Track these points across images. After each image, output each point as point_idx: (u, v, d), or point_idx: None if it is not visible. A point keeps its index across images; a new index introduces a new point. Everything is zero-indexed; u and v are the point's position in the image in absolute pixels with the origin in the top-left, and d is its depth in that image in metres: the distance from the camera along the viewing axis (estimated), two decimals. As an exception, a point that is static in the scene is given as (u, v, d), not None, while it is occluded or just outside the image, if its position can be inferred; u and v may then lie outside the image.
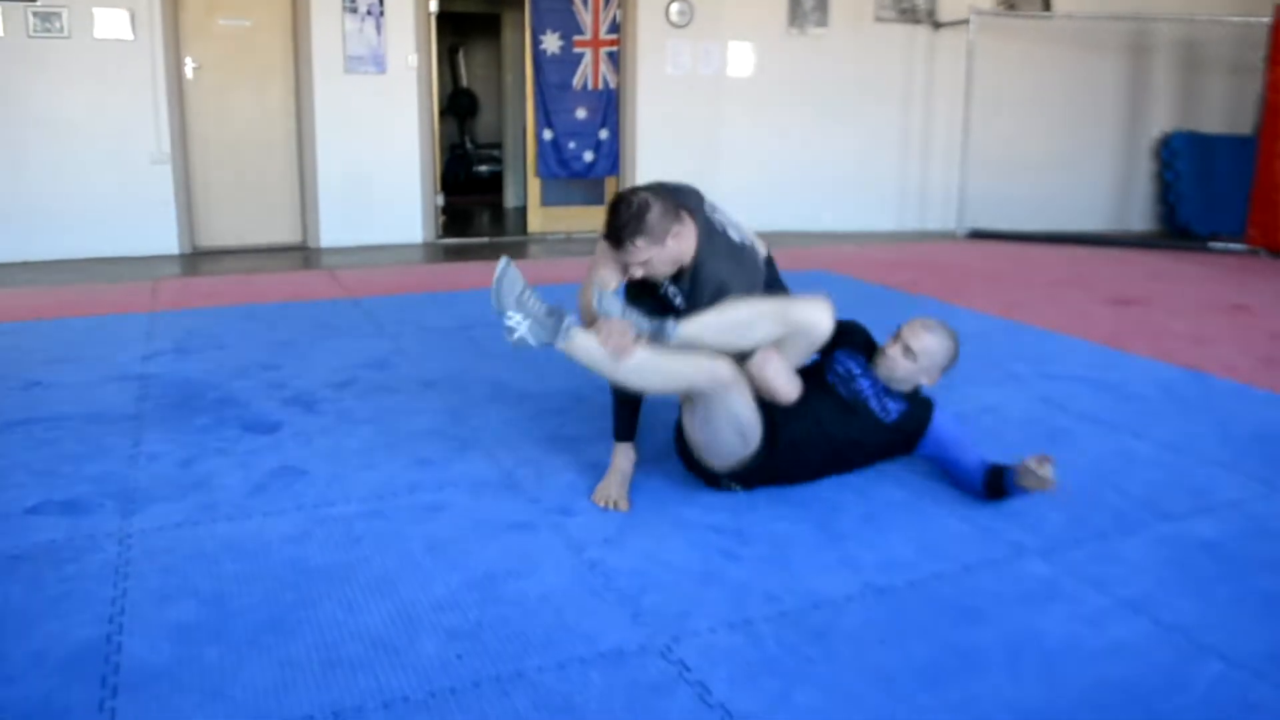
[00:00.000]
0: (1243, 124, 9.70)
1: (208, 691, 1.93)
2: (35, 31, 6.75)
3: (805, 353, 2.89)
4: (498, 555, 2.53)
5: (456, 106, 12.75)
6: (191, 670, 2.00)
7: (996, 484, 2.84)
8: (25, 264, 6.92)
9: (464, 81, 13.00)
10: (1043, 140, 9.46)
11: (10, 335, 4.83)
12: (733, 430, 2.77)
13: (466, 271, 6.85)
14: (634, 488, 2.97)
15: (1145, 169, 10.06)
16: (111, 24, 6.93)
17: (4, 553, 2.50)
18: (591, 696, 1.94)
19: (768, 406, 2.82)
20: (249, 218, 7.76)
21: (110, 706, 1.88)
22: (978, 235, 8.94)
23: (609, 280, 2.89)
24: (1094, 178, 9.85)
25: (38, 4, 6.70)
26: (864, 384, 2.96)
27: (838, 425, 2.90)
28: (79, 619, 2.19)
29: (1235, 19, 9.04)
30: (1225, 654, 2.12)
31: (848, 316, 3.10)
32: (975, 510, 2.85)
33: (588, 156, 8.60)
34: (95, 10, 6.87)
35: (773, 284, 3.11)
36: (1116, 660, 2.10)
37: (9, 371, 4.12)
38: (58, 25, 6.79)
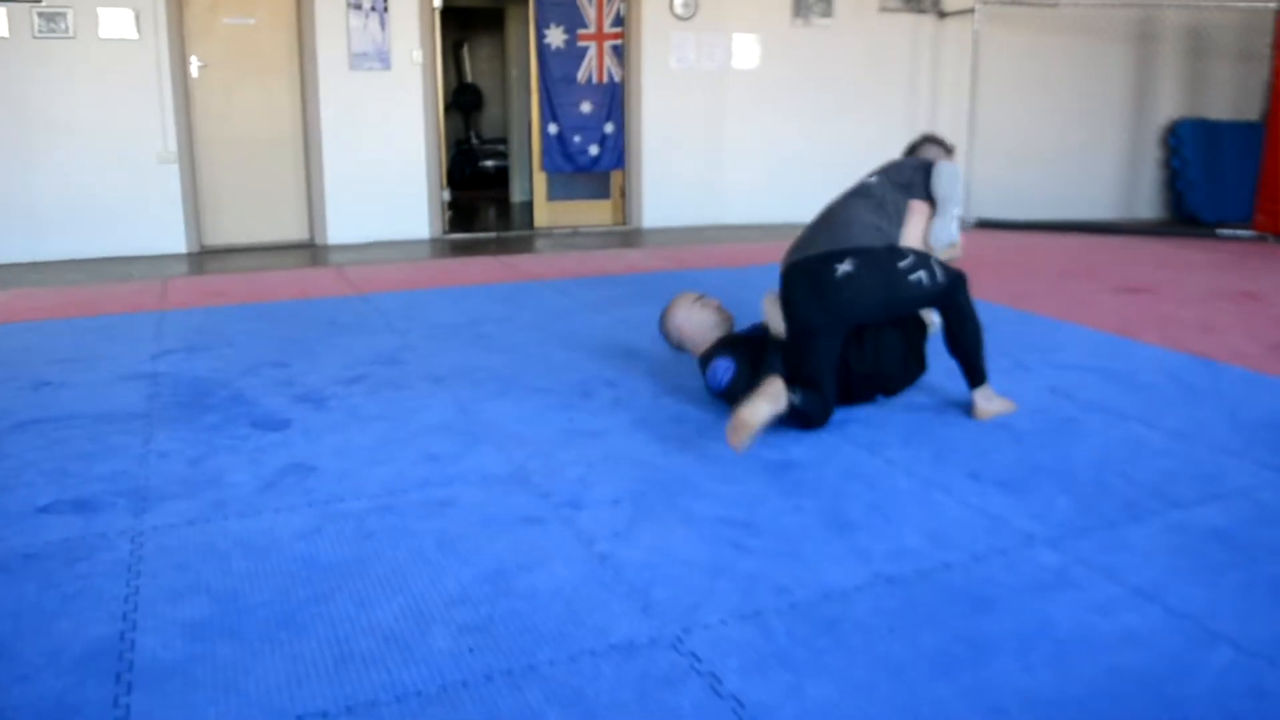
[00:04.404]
0: (1250, 110, 9.66)
1: (221, 687, 1.94)
2: (40, 32, 6.77)
3: None
4: (508, 549, 2.54)
5: (461, 102, 12.75)
6: (205, 666, 2.01)
7: None
8: (34, 264, 6.95)
9: (469, 76, 13.00)
10: (1049, 129, 9.44)
11: (20, 335, 4.84)
12: None
13: (474, 267, 6.86)
14: (643, 480, 2.98)
15: (1152, 156, 10.03)
16: (116, 24, 6.94)
17: (17, 551, 2.51)
18: (603, 689, 1.95)
19: None
20: (256, 215, 7.78)
21: (125, 703, 1.89)
22: (985, 225, 8.92)
23: None
24: (1101, 166, 9.82)
25: (42, 4, 6.72)
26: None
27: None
28: (92, 616, 2.20)
29: (1242, 5, 9.00)
30: (1236, 641, 2.12)
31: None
32: (984, 499, 2.85)
33: (593, 150, 8.60)
34: (100, 10, 6.88)
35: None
36: (1127, 648, 2.10)
37: (19, 371, 4.14)
38: (62, 25, 6.81)
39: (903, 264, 3.33)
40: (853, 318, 3.36)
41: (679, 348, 3.78)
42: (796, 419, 3.24)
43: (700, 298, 3.75)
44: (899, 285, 3.32)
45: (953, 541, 2.59)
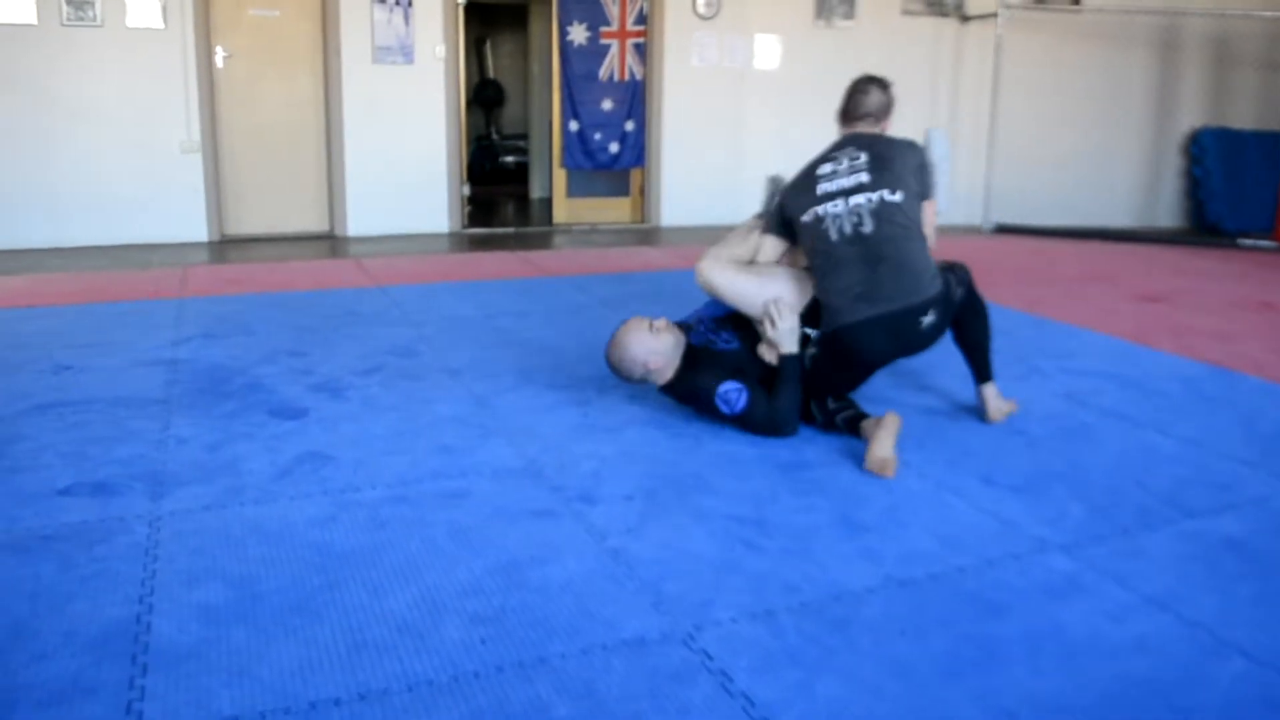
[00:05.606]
0: (1274, 120, 9.59)
1: (235, 671, 1.96)
2: (68, 20, 6.81)
3: None
4: (521, 542, 2.55)
5: (483, 97, 12.77)
6: (219, 650, 2.03)
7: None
8: (57, 250, 7.00)
9: (491, 72, 13.02)
10: (1070, 135, 9.39)
11: (41, 319, 4.88)
12: None
13: (492, 261, 6.87)
14: (656, 476, 2.99)
15: (1174, 165, 9.97)
16: (143, 12, 6.98)
17: (35, 533, 2.54)
18: (613, 683, 1.96)
19: None
20: (277, 206, 7.81)
21: (140, 684, 1.91)
22: (1004, 230, 8.89)
23: None
24: (1122, 173, 9.77)
25: (70, -8, 6.78)
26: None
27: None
28: (109, 599, 2.23)
29: (1267, 14, 8.95)
30: (1248, 651, 2.11)
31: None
32: (997, 504, 2.85)
33: (613, 148, 8.61)
34: (127, -1, 6.94)
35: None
36: (1138, 655, 2.10)
37: (40, 355, 4.17)
38: (90, 14, 6.85)
39: (952, 294, 3.39)
40: (917, 351, 3.48)
41: (642, 381, 3.46)
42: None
43: (652, 324, 3.41)
44: (951, 310, 3.40)
45: (965, 545, 2.59)
